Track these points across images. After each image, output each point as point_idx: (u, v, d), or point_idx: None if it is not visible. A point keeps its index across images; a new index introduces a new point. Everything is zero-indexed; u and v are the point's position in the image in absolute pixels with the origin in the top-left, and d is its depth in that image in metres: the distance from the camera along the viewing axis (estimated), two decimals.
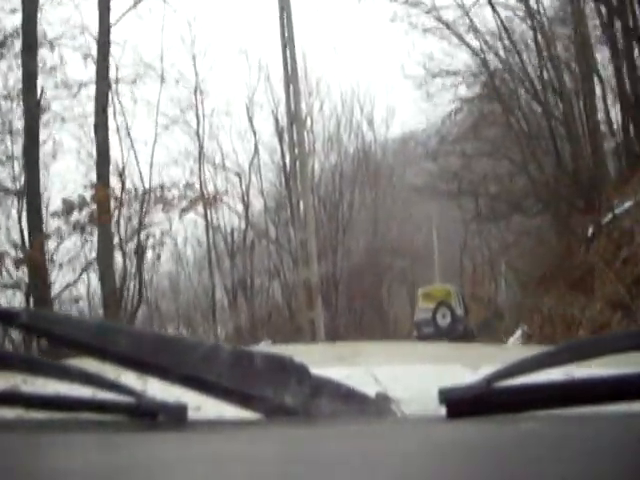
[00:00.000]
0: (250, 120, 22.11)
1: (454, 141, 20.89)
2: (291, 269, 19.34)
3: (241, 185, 22.12)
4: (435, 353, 1.92)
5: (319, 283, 12.59)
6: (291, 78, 12.61)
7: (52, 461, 0.74)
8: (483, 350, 2.34)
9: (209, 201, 17.62)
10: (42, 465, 0.73)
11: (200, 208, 18.40)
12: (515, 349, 2.26)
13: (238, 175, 22.13)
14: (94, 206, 13.13)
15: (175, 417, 0.88)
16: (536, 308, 15.24)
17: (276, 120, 21.67)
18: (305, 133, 17.10)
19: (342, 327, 20.50)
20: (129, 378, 0.94)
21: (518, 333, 17.21)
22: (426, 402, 0.88)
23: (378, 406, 0.94)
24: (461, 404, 0.83)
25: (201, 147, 20.49)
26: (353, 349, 2.08)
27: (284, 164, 20.87)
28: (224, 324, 20.77)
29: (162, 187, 15.39)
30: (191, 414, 0.89)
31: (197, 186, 18.14)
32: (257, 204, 22.78)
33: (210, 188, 19.81)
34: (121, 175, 15.37)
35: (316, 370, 0.94)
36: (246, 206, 22.02)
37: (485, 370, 0.87)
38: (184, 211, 15.56)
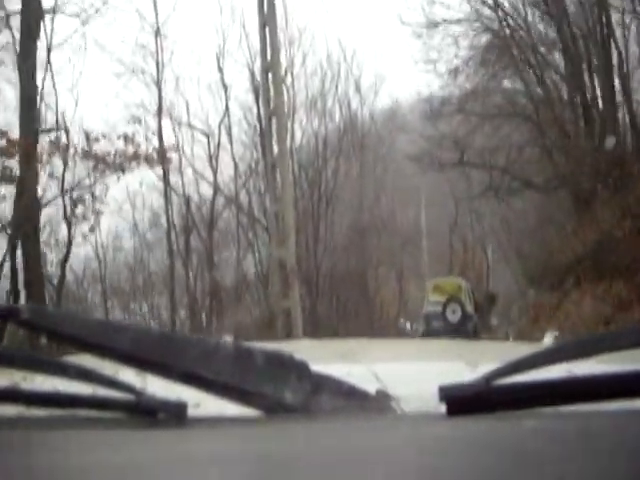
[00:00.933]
0: (221, 71, 18.87)
1: (458, 102, 18.30)
2: (267, 244, 16.57)
3: (209, 147, 18.67)
4: (435, 351, 1.92)
5: (296, 265, 10.75)
6: (267, 19, 10.61)
7: (52, 458, 0.74)
8: (483, 347, 2.34)
9: (150, 157, 13.96)
10: (42, 462, 0.73)
11: (160, 170, 15.85)
12: (515, 346, 2.26)
13: (206, 135, 18.69)
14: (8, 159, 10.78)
15: (175, 414, 0.88)
16: (562, 307, 13.75)
17: (252, 74, 18.31)
18: (285, 89, 15.38)
19: (324, 316, 18.68)
20: (129, 375, 0.94)
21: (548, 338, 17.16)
22: (426, 399, 0.88)
23: (378, 403, 0.94)
24: (461, 402, 0.83)
25: (160, 99, 17.41)
26: (353, 346, 2.09)
27: (260, 124, 17.27)
28: (185, 305, 18.30)
29: (88, 137, 12.26)
30: (191, 411, 0.89)
31: (145, 142, 15.02)
32: (228, 169, 19.39)
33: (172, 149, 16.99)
34: (54, 129, 12.76)
35: (316, 367, 0.94)
36: (214, 171, 18.64)
37: (485, 368, 0.87)
38: (120, 170, 12.65)
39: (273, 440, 0.80)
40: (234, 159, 18.90)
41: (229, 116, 18.98)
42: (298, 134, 19.94)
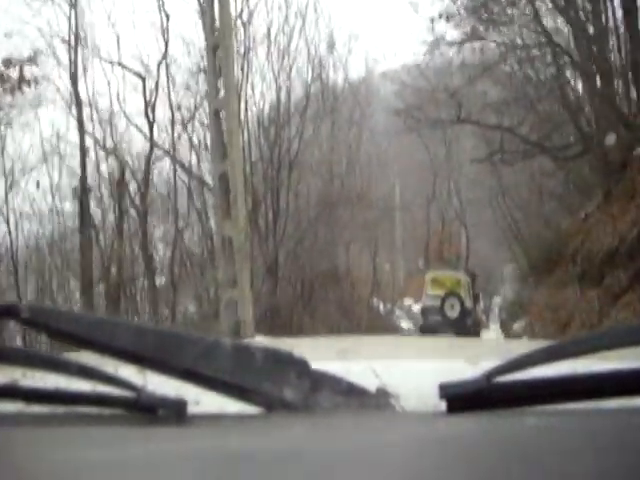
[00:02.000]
0: None
1: (452, 47, 15.12)
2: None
3: (145, 90, 14.25)
4: (436, 348, 1.92)
5: (248, 243, 8.66)
6: None
7: (52, 455, 0.74)
8: (484, 345, 2.34)
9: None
10: (42, 459, 0.73)
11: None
12: (515, 344, 2.26)
13: (140, 77, 14.24)
14: None
15: (175, 411, 0.88)
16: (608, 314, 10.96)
17: (199, 2, 13.47)
18: (239, 26, 12.96)
19: (285, 305, 15.55)
20: (129, 372, 0.94)
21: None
22: (426, 397, 0.88)
23: (378, 401, 0.94)
24: (461, 399, 0.83)
25: (77, 28, 13.64)
26: (353, 343, 2.09)
27: (208, 64, 11.88)
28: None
29: None
30: (191, 408, 0.89)
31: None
32: (165, 117, 15.00)
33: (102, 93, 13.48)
34: None
35: (316, 364, 0.94)
36: (151, 123, 14.27)
37: (485, 365, 0.86)
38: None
39: (273, 437, 0.80)
40: (170, 105, 14.33)
41: (167, 53, 14.53)
42: (258, 85, 16.18)
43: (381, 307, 26.27)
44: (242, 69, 14.86)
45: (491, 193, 24.10)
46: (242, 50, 14.94)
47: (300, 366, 0.92)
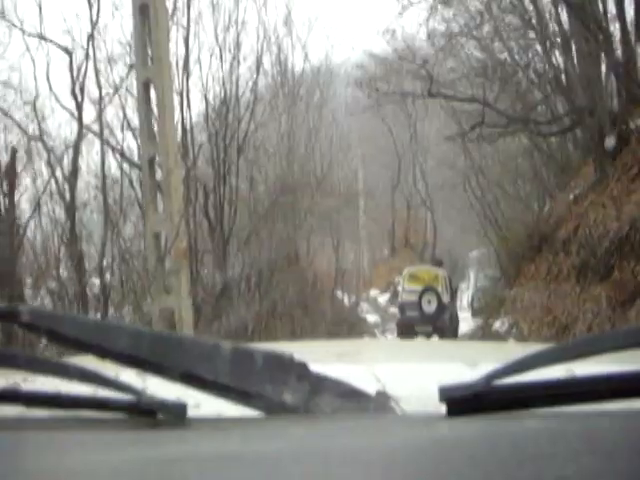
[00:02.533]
0: None
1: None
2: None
3: (72, 66, 10.70)
4: (435, 351, 1.92)
5: (186, 241, 7.30)
6: None
7: (52, 459, 0.74)
8: (483, 348, 2.35)
9: None
10: (43, 462, 0.73)
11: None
12: (515, 347, 2.26)
13: (67, 51, 10.65)
14: None
15: (175, 415, 0.88)
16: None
17: None
18: None
19: (238, 305, 13.56)
20: (129, 376, 0.94)
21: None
22: (426, 400, 0.88)
23: (378, 404, 0.94)
24: (461, 402, 0.83)
25: None
26: (353, 346, 2.09)
27: (134, 26, 8.92)
28: None
29: None
30: (191, 412, 0.89)
31: None
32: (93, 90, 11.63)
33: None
34: None
35: (316, 368, 0.94)
36: (79, 102, 10.79)
37: (485, 368, 0.87)
38: None
39: (273, 440, 0.80)
40: (98, 80, 10.77)
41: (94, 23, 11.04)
42: (206, 62, 14.22)
43: (345, 300, 24.66)
44: (186, 41, 12.84)
45: (460, 176, 22.42)
46: (185, 19, 12.92)
47: (300, 369, 0.92)
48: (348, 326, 20.28)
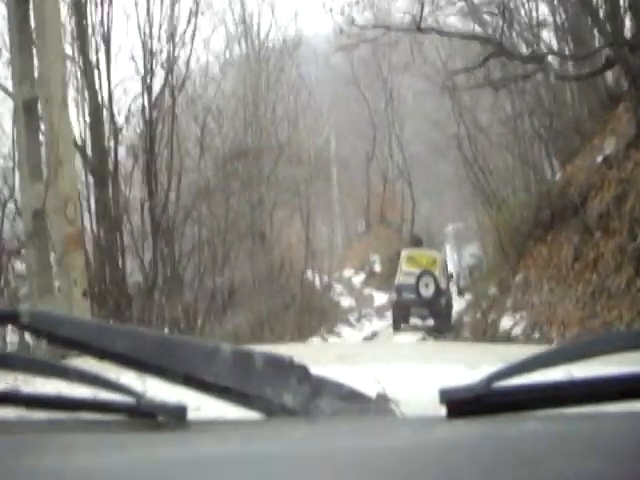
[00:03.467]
0: None
1: None
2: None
3: None
4: (435, 353, 1.92)
5: (78, 221, 4.68)
6: None
7: (52, 461, 0.74)
8: (484, 350, 2.35)
9: None
10: (42, 465, 0.73)
11: None
12: (516, 348, 2.26)
13: None
14: None
15: (175, 417, 0.88)
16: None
17: None
18: None
19: (187, 297, 11.79)
20: (129, 378, 0.94)
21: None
22: (426, 402, 0.88)
23: (378, 406, 0.94)
24: (462, 404, 0.83)
25: None
26: (353, 349, 2.09)
27: None
28: None
29: None
30: (191, 414, 0.89)
31: None
32: None
33: None
34: None
35: (316, 370, 0.94)
36: None
37: (486, 370, 0.87)
38: None
39: (273, 443, 0.80)
40: None
41: None
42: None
43: (317, 281, 22.02)
44: None
45: (444, 142, 19.90)
46: None
47: (300, 371, 0.92)
48: (319, 313, 18.72)
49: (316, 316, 18.31)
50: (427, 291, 17.56)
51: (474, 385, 0.83)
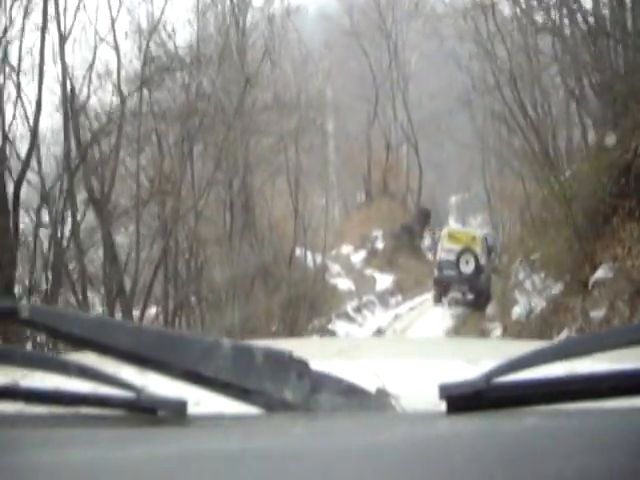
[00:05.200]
0: None
1: None
2: None
3: None
4: (436, 348, 1.92)
5: None
6: None
7: (52, 455, 0.74)
8: (484, 345, 2.35)
9: None
10: (42, 459, 0.73)
11: None
12: (515, 344, 2.27)
13: None
14: None
15: (175, 412, 0.88)
16: None
17: None
18: None
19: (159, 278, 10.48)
20: (129, 373, 0.94)
21: None
22: (426, 397, 0.88)
23: (378, 401, 0.94)
24: (461, 399, 0.83)
25: None
26: (353, 344, 2.09)
27: None
28: None
29: None
30: (191, 409, 0.89)
31: None
32: None
33: None
34: None
35: (316, 365, 0.94)
36: None
37: (485, 365, 0.87)
38: None
39: (273, 438, 0.80)
40: None
41: None
42: None
43: (309, 260, 18.45)
44: None
45: (453, 106, 18.04)
46: None
47: (300, 367, 0.92)
48: (310, 302, 15.53)
49: (306, 306, 15.43)
50: (467, 268, 17.97)
51: (474, 380, 0.83)
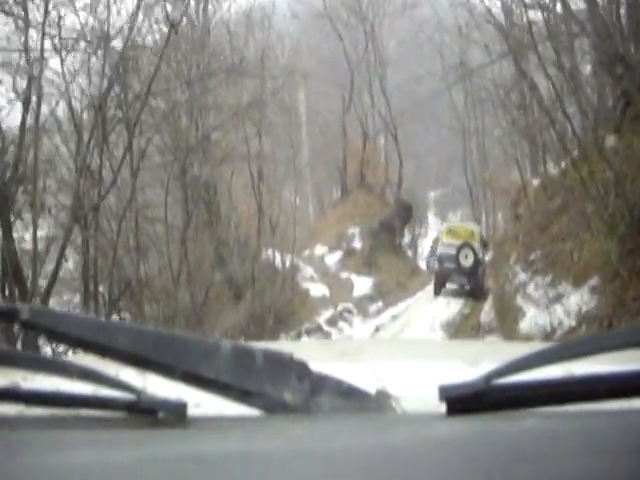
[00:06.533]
0: None
1: None
2: None
3: None
4: (435, 350, 1.92)
5: None
6: None
7: (52, 457, 0.74)
8: (483, 347, 2.35)
9: None
10: (42, 461, 0.73)
11: None
12: (515, 346, 2.26)
13: None
14: None
15: (175, 414, 0.88)
16: None
17: None
18: None
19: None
20: (129, 375, 0.94)
21: None
22: (426, 399, 0.88)
23: (378, 403, 0.94)
24: (461, 401, 0.83)
25: None
26: (353, 346, 2.09)
27: None
28: None
29: None
30: (191, 411, 0.90)
31: None
32: None
33: None
34: None
35: (316, 367, 0.94)
36: None
37: (485, 367, 0.87)
38: None
39: (273, 439, 0.80)
40: None
41: None
42: None
43: (278, 261, 16.81)
44: None
45: (432, 95, 16.83)
46: None
47: (300, 368, 0.92)
48: (277, 312, 13.42)
49: (272, 319, 13.54)
50: (467, 261, 18.77)
51: (474, 382, 0.83)
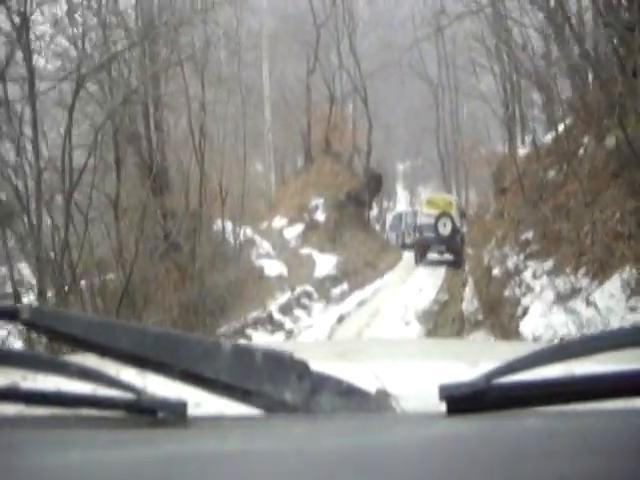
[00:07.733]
0: None
1: None
2: None
3: None
4: (435, 350, 1.92)
5: None
6: None
7: (52, 457, 0.74)
8: (483, 346, 2.35)
9: None
10: (42, 461, 0.73)
11: None
12: (515, 345, 2.27)
13: None
14: None
15: (175, 413, 0.88)
16: None
17: None
18: None
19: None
20: (129, 374, 0.94)
21: None
22: (426, 398, 0.88)
23: (378, 402, 0.94)
24: (461, 400, 0.83)
25: None
26: (353, 345, 2.09)
27: None
28: None
29: None
30: (191, 410, 0.90)
31: None
32: None
33: None
34: None
35: (316, 366, 0.94)
36: None
37: (485, 366, 0.87)
38: None
39: (273, 439, 0.80)
40: None
41: None
42: None
43: (230, 235, 14.69)
44: None
45: (403, 56, 15.14)
46: None
47: (300, 368, 0.92)
48: (217, 298, 11.25)
49: (213, 304, 11.32)
50: (445, 230, 19.74)
51: (474, 381, 0.83)
